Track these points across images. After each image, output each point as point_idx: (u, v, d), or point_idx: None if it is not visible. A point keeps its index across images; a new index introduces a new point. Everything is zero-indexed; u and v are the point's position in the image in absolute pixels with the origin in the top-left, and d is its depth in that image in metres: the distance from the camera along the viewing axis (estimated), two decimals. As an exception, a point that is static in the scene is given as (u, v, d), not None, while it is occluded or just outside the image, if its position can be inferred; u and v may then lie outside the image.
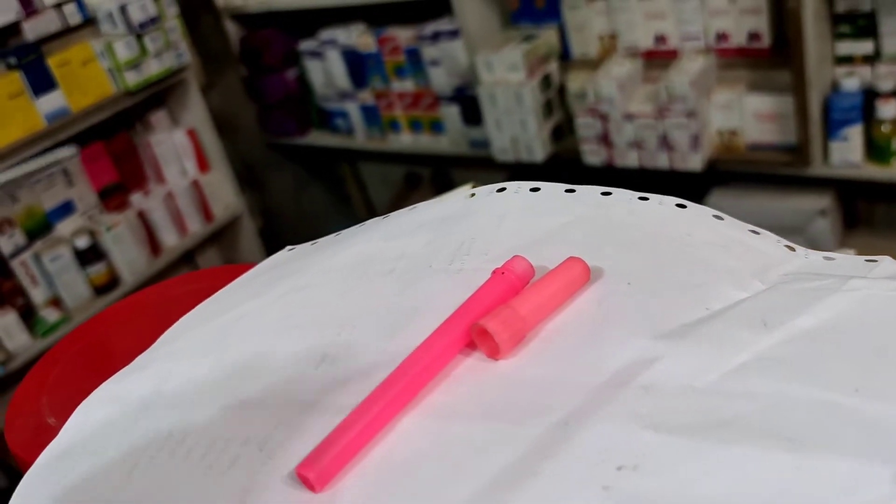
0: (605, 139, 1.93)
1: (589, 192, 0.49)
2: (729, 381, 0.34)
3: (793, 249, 0.45)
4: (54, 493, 0.40)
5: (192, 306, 0.53)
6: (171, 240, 2.23)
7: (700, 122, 1.81)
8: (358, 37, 2.28)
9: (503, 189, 0.51)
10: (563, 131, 2.09)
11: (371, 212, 2.85)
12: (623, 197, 0.49)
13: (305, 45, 2.41)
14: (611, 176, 2.00)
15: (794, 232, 1.90)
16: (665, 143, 1.86)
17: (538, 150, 2.04)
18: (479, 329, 0.38)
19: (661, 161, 1.88)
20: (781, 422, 0.32)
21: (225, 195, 2.35)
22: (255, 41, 2.46)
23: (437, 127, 2.30)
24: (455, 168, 2.55)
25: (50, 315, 2.01)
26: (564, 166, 2.07)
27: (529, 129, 2.02)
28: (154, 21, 2.05)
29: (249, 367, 0.43)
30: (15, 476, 2.17)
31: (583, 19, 2.00)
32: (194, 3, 2.39)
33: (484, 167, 2.28)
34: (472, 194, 0.70)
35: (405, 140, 2.39)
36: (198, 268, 2.52)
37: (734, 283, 0.41)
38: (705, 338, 0.37)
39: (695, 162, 1.85)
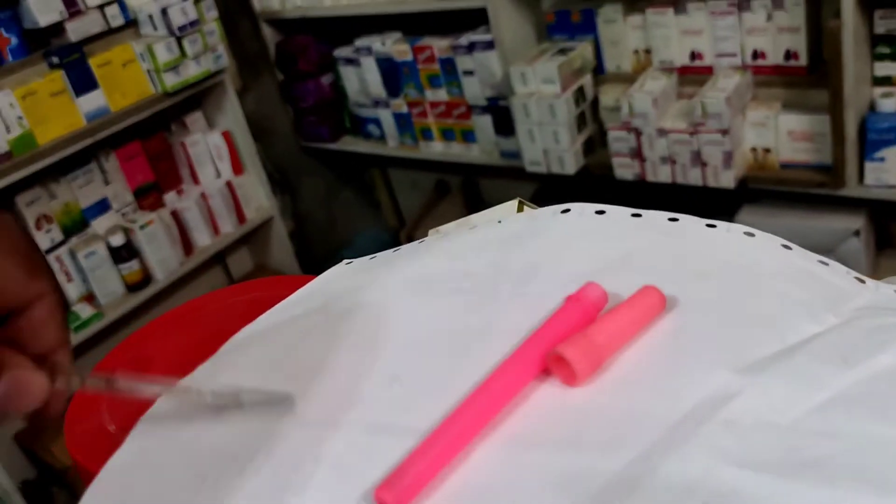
0: (637, 154, 1.93)
1: (656, 217, 0.49)
2: (812, 419, 0.34)
3: (862, 281, 0.45)
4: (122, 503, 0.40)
5: (250, 314, 0.53)
6: (203, 240, 2.25)
7: (734, 139, 1.81)
8: (393, 45, 2.29)
9: (567, 210, 0.51)
10: (595, 144, 2.09)
11: (399, 218, 2.86)
12: (690, 223, 0.49)
13: (341, 51, 2.42)
14: (642, 191, 1.99)
15: (825, 252, 1.88)
16: (698, 159, 1.85)
17: (570, 163, 2.04)
18: (556, 356, 0.38)
19: (694, 177, 1.88)
20: (867, 463, 0.32)
21: (257, 197, 2.37)
22: (292, 47, 2.48)
23: (468, 136, 2.31)
24: (484, 177, 2.55)
25: (83, 310, 2.03)
26: (595, 180, 2.07)
27: (562, 142, 2.02)
28: (194, 24, 2.07)
29: (318, 385, 0.43)
30: (42, 468, 2.20)
31: (618, 34, 2.00)
32: (233, 7, 2.42)
33: (514, 177, 2.28)
34: (520, 208, 0.70)
35: (436, 148, 2.39)
36: (228, 268, 2.54)
37: (808, 316, 0.41)
38: (784, 373, 0.37)
39: (727, 179, 1.85)
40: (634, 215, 0.50)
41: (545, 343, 0.39)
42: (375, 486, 0.35)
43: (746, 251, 0.47)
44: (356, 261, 0.57)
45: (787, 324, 0.41)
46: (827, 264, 0.46)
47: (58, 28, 1.94)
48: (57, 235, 2.01)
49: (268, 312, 0.52)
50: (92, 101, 1.96)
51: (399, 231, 2.70)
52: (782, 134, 1.81)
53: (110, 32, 2.03)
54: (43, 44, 1.97)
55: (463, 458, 0.36)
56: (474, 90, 2.20)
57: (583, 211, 0.51)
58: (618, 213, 0.50)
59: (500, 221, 0.53)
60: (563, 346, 0.38)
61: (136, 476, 0.41)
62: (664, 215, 0.50)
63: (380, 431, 0.38)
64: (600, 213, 0.51)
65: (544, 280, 0.46)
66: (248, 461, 0.39)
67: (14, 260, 0.35)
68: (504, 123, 2.17)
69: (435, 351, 0.43)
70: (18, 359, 0.34)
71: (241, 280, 2.56)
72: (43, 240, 1.98)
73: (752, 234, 0.48)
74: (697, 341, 0.40)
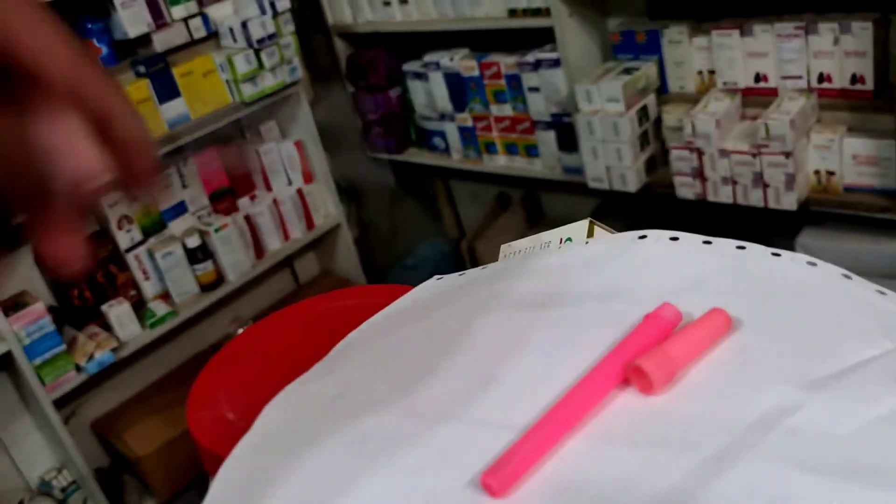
0: (699, 173, 1.96)
1: (725, 245, 0.55)
2: (869, 431, 0.39)
3: (917, 311, 0.49)
4: (251, 484, 0.46)
5: (349, 319, 0.60)
6: (274, 244, 2.34)
7: (797, 161, 1.83)
8: (461, 60, 2.35)
9: (644, 237, 0.57)
10: (657, 163, 2.13)
11: (460, 229, 2.92)
12: (757, 252, 0.54)
13: (409, 66, 2.50)
14: (703, 210, 2.02)
15: (886, 277, 1.89)
16: (760, 180, 1.88)
17: (632, 180, 2.08)
18: (636, 367, 0.44)
19: (755, 198, 1.90)
20: (920, 471, 0.37)
21: (326, 205, 2.46)
22: (362, 60, 2.56)
23: (531, 151, 2.36)
24: (546, 191, 2.60)
25: (158, 308, 2.13)
26: (657, 198, 2.10)
27: (624, 159, 2.06)
28: (272, 37, 2.16)
29: (422, 384, 0.49)
30: (115, 457, 2.30)
31: (682, 55, 2.03)
32: (308, 21, 2.51)
33: (575, 192, 2.33)
34: (591, 228, 0.75)
35: (500, 162, 2.45)
36: (295, 272, 2.63)
37: (866, 340, 0.46)
38: (843, 390, 0.42)
39: (789, 201, 1.86)
40: (705, 242, 0.55)
41: (626, 355, 0.45)
42: (478, 473, 0.41)
43: (809, 279, 0.51)
44: (446, 277, 0.63)
45: (846, 347, 0.45)
46: (884, 293, 0.51)
47: (144, 39, 2.05)
48: (137, 235, 2.12)
49: (370, 320, 0.58)
50: (174, 109, 2.07)
51: (459, 242, 2.77)
52: (846, 157, 1.82)
53: (193, 44, 2.14)
54: (130, 53, 2.08)
55: (555, 452, 0.42)
56: (539, 106, 2.25)
57: (659, 237, 0.56)
58: (690, 240, 0.55)
59: (585, 241, 0.59)
60: (642, 359, 0.44)
61: (263, 459, 0.48)
62: (733, 243, 0.55)
63: (480, 426, 0.44)
64: (674, 239, 0.56)
65: (624, 299, 0.51)
66: (364, 447, 0.45)
67: None
68: (567, 139, 2.22)
69: (526, 359, 0.49)
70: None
71: (307, 283, 2.66)
72: (123, 239, 2.09)
73: (814, 264, 0.52)
74: (761, 359, 0.45)
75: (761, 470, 0.38)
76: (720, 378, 0.44)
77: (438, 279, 0.63)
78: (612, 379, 0.45)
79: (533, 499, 0.40)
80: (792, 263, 0.53)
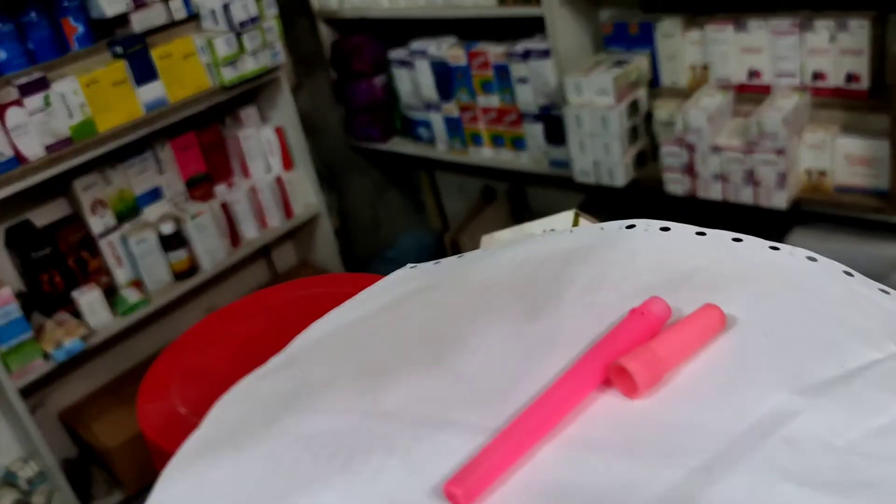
0: (689, 169, 1.92)
1: (720, 237, 0.50)
2: (870, 443, 0.35)
3: (924, 312, 0.45)
4: (198, 484, 0.42)
5: (312, 309, 0.55)
6: (250, 232, 2.29)
7: (789, 160, 1.79)
8: (448, 49, 2.31)
9: (632, 226, 0.53)
10: (646, 158, 2.09)
11: (444, 221, 2.88)
12: (754, 245, 0.50)
13: (395, 53, 2.45)
14: (692, 207, 1.99)
15: (875, 278, 1.86)
16: (751, 178, 1.84)
17: (620, 175, 2.04)
18: (618, 368, 0.39)
19: (745, 196, 1.87)
20: (928, 489, 0.32)
21: (306, 193, 2.41)
22: (347, 46, 2.51)
23: (518, 143, 2.32)
24: (532, 185, 2.56)
25: (131, 295, 2.08)
26: (645, 193, 2.06)
27: (613, 154, 2.02)
28: (254, 20, 2.11)
29: (387, 379, 0.45)
30: (83, 448, 2.25)
31: (676, 48, 1.99)
32: (292, 5, 2.45)
33: (561, 186, 2.29)
34: (576, 219, 0.71)
35: (486, 154, 2.41)
36: (273, 262, 2.58)
37: (868, 342, 0.42)
38: (843, 397, 0.38)
39: (779, 199, 1.83)
40: (699, 233, 0.51)
41: (609, 353, 0.41)
42: (444, 480, 0.37)
43: (808, 275, 0.47)
44: (420, 265, 0.59)
45: (847, 349, 0.41)
46: (888, 293, 0.47)
47: (122, 19, 1.99)
48: (110, 221, 2.06)
49: (336, 309, 0.53)
50: (151, 92, 2.01)
51: (443, 234, 2.72)
52: (839, 157, 1.79)
53: (173, 25, 2.08)
54: (108, 33, 2.02)
55: (527, 459, 0.37)
56: (527, 98, 2.21)
57: (648, 227, 0.52)
58: (682, 231, 0.51)
59: (569, 231, 0.54)
60: (626, 358, 0.40)
61: (211, 459, 0.43)
62: (728, 235, 0.50)
63: (447, 427, 0.40)
64: (665, 229, 0.52)
65: (609, 291, 0.47)
66: (321, 448, 0.41)
67: None
68: (555, 132, 2.18)
69: (500, 353, 0.44)
70: None
71: (285, 274, 2.60)
72: (97, 224, 2.03)
73: (814, 259, 0.48)
74: (757, 360, 0.41)
75: (754, 481, 0.34)
76: (712, 381, 0.40)
77: (412, 268, 0.59)
78: (593, 379, 0.40)
79: (501, 511, 0.36)
80: (791, 258, 0.49)
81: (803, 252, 0.49)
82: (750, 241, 0.50)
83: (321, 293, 0.66)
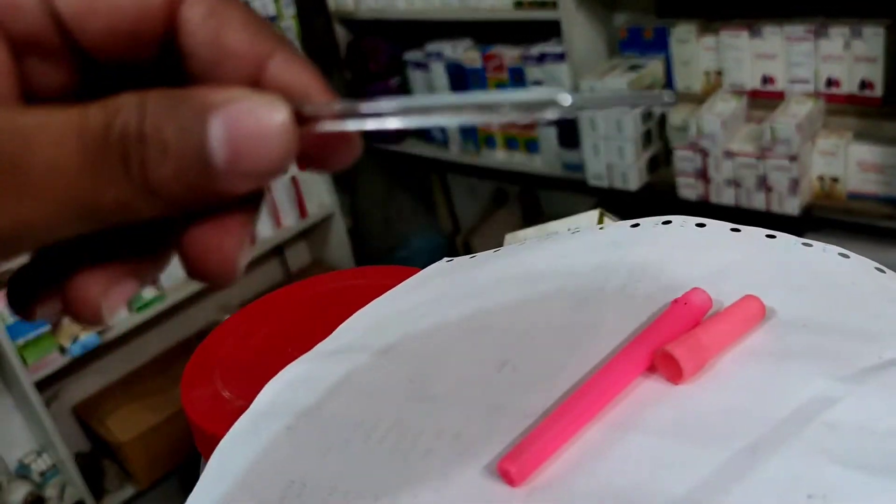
0: (702, 174, 1.94)
1: (754, 233, 0.52)
2: (909, 429, 0.36)
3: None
4: (248, 464, 0.43)
5: (355, 299, 0.56)
6: (265, 231, 2.31)
7: (802, 166, 1.81)
8: (464, 52, 2.33)
9: (668, 222, 0.54)
10: (660, 162, 2.11)
11: (455, 223, 2.89)
12: (788, 241, 0.51)
13: (411, 55, 2.47)
14: (705, 212, 2.00)
15: (886, 285, 1.87)
16: (763, 183, 1.86)
17: (633, 179, 2.05)
18: (664, 354, 0.41)
19: (758, 202, 1.88)
20: (965, 470, 0.34)
21: (320, 193, 2.42)
22: (362, 47, 2.53)
23: (532, 146, 2.34)
24: (544, 188, 2.58)
25: (146, 292, 2.09)
26: (658, 197, 2.08)
27: (627, 157, 2.04)
28: (272, 20, 2.13)
29: (434, 365, 0.46)
30: (96, 442, 2.27)
31: (690, 54, 2.01)
32: (308, 5, 2.48)
33: (574, 190, 2.30)
34: (601, 219, 0.72)
35: (499, 157, 2.42)
36: (286, 261, 2.60)
37: (903, 335, 0.43)
38: (883, 385, 0.39)
39: (792, 206, 1.85)
40: (733, 230, 0.52)
41: (654, 340, 0.42)
42: (494, 460, 0.38)
43: (842, 270, 0.49)
44: (456, 259, 0.60)
45: (884, 341, 0.43)
46: (920, 288, 0.48)
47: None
48: (128, 217, 2.08)
49: (378, 299, 0.55)
50: (171, 90, 2.03)
51: (454, 236, 2.74)
52: (852, 164, 1.80)
53: (192, 24, 2.10)
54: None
55: (577, 440, 0.39)
56: (541, 101, 2.22)
57: (685, 222, 0.53)
58: (717, 227, 0.53)
59: (606, 226, 0.56)
60: (672, 345, 0.41)
61: (265, 436, 0.45)
62: (762, 232, 0.52)
63: (496, 412, 0.41)
64: (700, 225, 0.53)
65: (648, 283, 0.48)
66: (372, 429, 0.42)
67: None
68: (569, 135, 2.19)
69: (544, 342, 0.46)
70: (221, 90, 0.22)
71: (298, 272, 2.62)
72: (115, 220, 2.05)
73: (846, 256, 0.50)
74: (796, 349, 0.42)
75: (799, 462, 0.35)
76: (753, 368, 0.42)
77: (448, 261, 0.60)
78: (638, 366, 0.42)
79: (554, 488, 0.37)
80: (824, 254, 0.50)
81: (835, 249, 0.50)
82: (783, 237, 0.51)
83: (348, 286, 0.68)
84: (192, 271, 0.24)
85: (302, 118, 0.23)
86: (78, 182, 0.21)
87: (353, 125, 0.24)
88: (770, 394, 0.39)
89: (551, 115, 0.22)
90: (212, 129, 0.21)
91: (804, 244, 0.51)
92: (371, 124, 0.23)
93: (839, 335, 0.43)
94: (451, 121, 0.24)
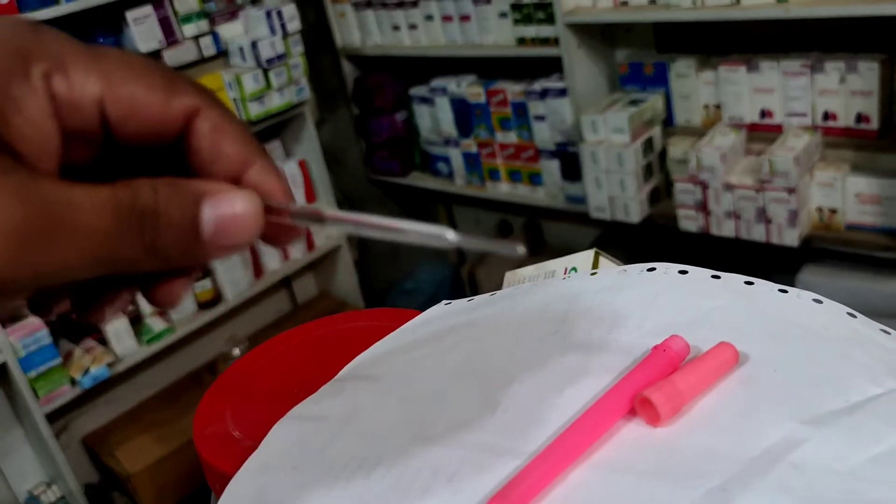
0: (702, 207, 1.97)
1: (733, 280, 0.55)
2: (870, 468, 0.39)
3: (922, 351, 0.49)
4: (262, 496, 0.47)
5: (358, 341, 0.60)
6: (273, 264, 2.35)
7: (800, 198, 1.84)
8: (468, 87, 2.37)
9: (653, 269, 0.57)
10: (661, 195, 2.14)
11: (461, 254, 2.93)
12: (765, 287, 0.54)
13: (416, 90, 2.52)
14: (705, 244, 2.03)
15: (887, 316, 1.89)
16: (763, 215, 1.89)
17: (634, 212, 2.09)
18: (643, 399, 0.44)
19: (758, 233, 1.91)
20: (920, 509, 0.37)
21: (327, 226, 2.46)
22: (369, 83, 2.58)
23: (535, 179, 2.37)
24: (547, 220, 2.61)
25: (156, 324, 2.13)
26: (659, 230, 2.11)
27: (628, 190, 2.07)
28: (281, 58, 2.18)
29: (433, 406, 0.49)
30: (105, 473, 2.29)
31: (689, 88, 2.05)
32: (316, 42, 2.53)
33: (577, 222, 2.34)
34: (596, 258, 0.75)
35: (503, 189, 2.46)
36: (293, 293, 2.63)
37: (870, 378, 0.46)
38: (846, 427, 0.42)
39: (791, 237, 1.87)
40: (714, 276, 0.56)
41: (634, 385, 0.45)
42: (485, 498, 0.41)
43: (815, 316, 0.52)
44: (454, 302, 0.64)
45: (851, 384, 0.46)
46: (888, 333, 0.51)
47: (155, 55, 2.06)
48: (139, 250, 2.12)
49: (380, 342, 0.58)
50: (182, 126, 2.08)
51: (460, 267, 2.77)
52: (849, 196, 1.83)
53: (203, 62, 2.16)
54: (140, 70, 2.09)
55: (562, 480, 0.42)
56: (544, 135, 2.27)
57: (667, 270, 0.56)
58: (698, 274, 0.56)
59: (592, 272, 0.59)
60: (650, 390, 0.44)
61: (272, 477, 0.48)
62: (741, 278, 0.55)
63: (488, 451, 0.45)
64: (683, 272, 0.56)
65: (633, 329, 0.51)
66: (372, 469, 0.45)
67: (145, 81, 0.31)
68: (571, 169, 2.23)
69: (535, 385, 0.49)
70: (212, 184, 0.30)
71: (305, 304, 2.65)
72: (126, 254, 2.09)
73: (820, 301, 0.53)
74: (767, 393, 0.45)
75: (766, 501, 0.38)
76: (726, 411, 0.45)
77: (447, 304, 0.64)
78: (620, 409, 0.45)
79: (539, 526, 0.40)
80: (798, 300, 0.53)
81: (809, 294, 0.53)
82: (760, 284, 0.54)
83: (356, 328, 0.71)
84: (152, 301, 0.34)
85: (268, 210, 0.31)
86: (107, 241, 0.28)
87: (300, 222, 0.32)
88: (740, 436, 0.42)
89: (438, 244, 0.32)
90: (204, 211, 0.29)
91: (780, 290, 0.54)
92: (311, 224, 0.33)
93: (808, 379, 0.46)
94: (370, 234, 0.33)
